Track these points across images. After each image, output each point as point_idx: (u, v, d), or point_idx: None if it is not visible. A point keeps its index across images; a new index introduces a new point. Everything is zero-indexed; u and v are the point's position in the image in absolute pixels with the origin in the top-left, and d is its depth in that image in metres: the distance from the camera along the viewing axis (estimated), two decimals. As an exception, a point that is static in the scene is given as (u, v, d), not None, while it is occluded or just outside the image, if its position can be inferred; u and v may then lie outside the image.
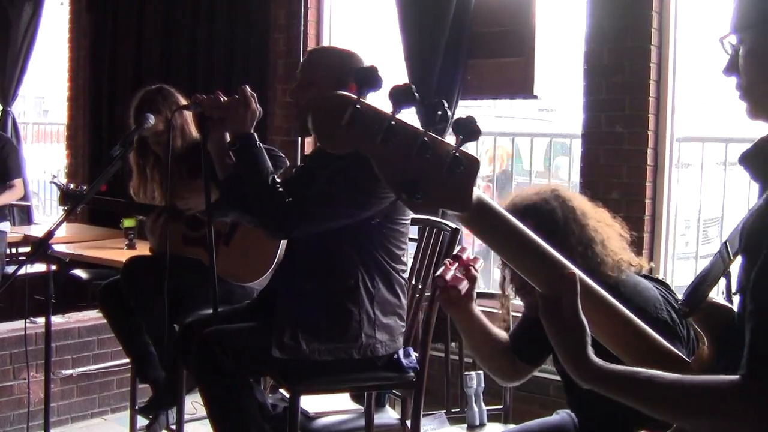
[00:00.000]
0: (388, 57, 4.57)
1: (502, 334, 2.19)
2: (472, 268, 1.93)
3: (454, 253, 1.96)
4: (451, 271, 1.90)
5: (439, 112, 1.12)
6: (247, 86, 2.68)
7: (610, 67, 3.76)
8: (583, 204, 2.11)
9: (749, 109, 1.31)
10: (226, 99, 2.69)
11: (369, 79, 1.13)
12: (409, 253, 3.31)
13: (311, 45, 4.93)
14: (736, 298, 1.28)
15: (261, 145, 2.64)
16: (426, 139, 1.13)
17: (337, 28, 5.05)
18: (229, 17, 5.15)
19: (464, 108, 4.27)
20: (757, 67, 1.28)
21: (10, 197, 5.07)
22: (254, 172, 2.58)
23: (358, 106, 1.11)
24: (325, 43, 4.99)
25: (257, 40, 5.05)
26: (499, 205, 1.26)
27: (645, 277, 2.10)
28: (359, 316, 2.59)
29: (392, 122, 1.12)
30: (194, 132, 3.43)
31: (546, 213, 2.05)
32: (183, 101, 3.38)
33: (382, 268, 2.64)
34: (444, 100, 1.14)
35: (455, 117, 1.14)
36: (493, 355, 2.15)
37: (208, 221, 2.75)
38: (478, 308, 2.06)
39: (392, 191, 1.15)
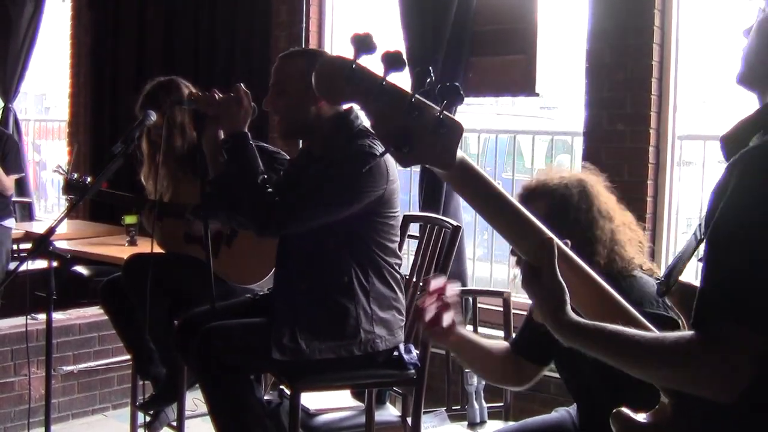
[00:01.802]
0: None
1: (499, 345, 2.19)
2: (444, 296, 1.91)
3: (420, 292, 1.95)
4: (429, 312, 1.88)
5: (428, 79, 1.29)
6: (241, 84, 2.69)
7: (611, 65, 3.75)
8: (609, 203, 2.09)
9: (741, 72, 1.35)
10: (221, 96, 2.70)
11: (364, 44, 1.26)
12: (410, 251, 3.31)
13: (313, 42, 4.93)
14: None
15: (253, 144, 2.65)
16: (413, 101, 1.27)
17: (339, 25, 5.05)
18: (231, 14, 5.15)
19: (466, 105, 4.27)
20: (758, 35, 1.32)
21: None
22: (244, 171, 2.59)
23: (354, 66, 1.26)
24: (327, 41, 5.00)
25: (259, 38, 5.05)
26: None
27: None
28: (356, 312, 2.60)
29: (383, 83, 1.27)
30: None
31: (559, 197, 2.04)
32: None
33: (375, 263, 2.65)
34: (431, 67, 1.31)
35: (440, 84, 1.28)
36: (496, 368, 2.15)
37: (204, 219, 2.74)
38: (466, 332, 2.05)
39: (382, 142, 1.30)
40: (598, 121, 3.82)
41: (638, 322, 1.34)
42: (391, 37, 4.41)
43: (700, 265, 1.26)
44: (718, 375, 1.18)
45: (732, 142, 1.31)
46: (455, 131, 1.29)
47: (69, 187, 3.44)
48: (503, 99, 6.16)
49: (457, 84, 1.28)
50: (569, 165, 4.71)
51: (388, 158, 2.62)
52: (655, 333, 1.28)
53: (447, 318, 1.89)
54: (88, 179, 3.49)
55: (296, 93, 2.63)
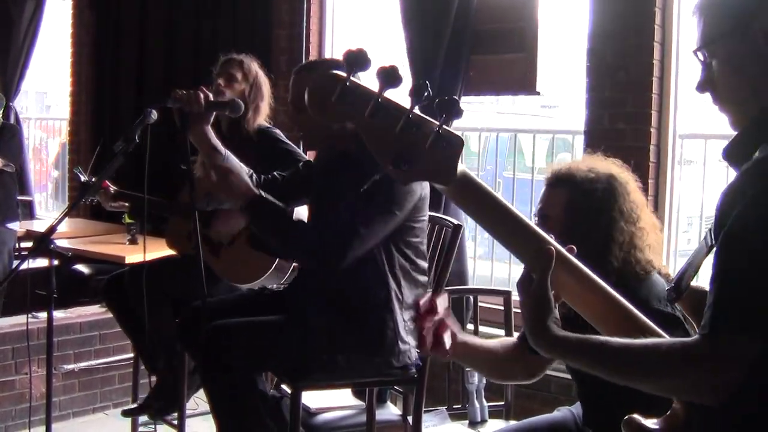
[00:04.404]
0: (390, 53, 4.57)
1: (504, 343, 2.18)
2: (437, 314, 1.90)
3: (412, 313, 1.93)
4: (428, 337, 1.87)
5: (425, 93, 1.24)
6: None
7: (612, 64, 3.75)
8: (635, 203, 2.06)
9: (733, 120, 1.34)
10: (206, 93, 2.69)
11: (358, 60, 1.23)
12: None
13: (314, 41, 4.92)
14: None
15: (267, 200, 2.58)
16: (411, 116, 1.24)
17: (340, 24, 5.04)
18: (232, 14, 5.15)
19: (467, 104, 4.26)
20: (735, 73, 1.30)
21: None
22: (275, 234, 2.60)
23: (347, 84, 1.23)
24: (327, 40, 4.99)
25: (260, 37, 5.04)
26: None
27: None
28: (393, 324, 2.58)
29: (379, 99, 1.24)
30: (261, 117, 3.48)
31: (582, 191, 2.02)
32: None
33: (405, 270, 2.62)
34: (428, 82, 1.26)
35: (438, 98, 1.25)
36: (503, 367, 2.14)
37: (192, 214, 2.70)
38: (467, 338, 2.04)
39: (380, 162, 1.26)
40: (599, 119, 3.82)
41: (648, 330, 1.32)
42: (392, 36, 4.41)
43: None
44: (718, 382, 1.18)
45: (736, 151, 1.30)
46: (455, 145, 1.26)
47: (86, 190, 3.42)
48: (504, 98, 6.15)
49: (455, 97, 1.27)
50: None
51: None
52: (648, 340, 1.26)
53: (447, 337, 1.88)
54: (110, 185, 3.50)
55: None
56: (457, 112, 1.25)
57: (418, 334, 1.88)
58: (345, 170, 2.56)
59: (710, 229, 1.32)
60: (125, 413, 3.50)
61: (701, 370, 1.19)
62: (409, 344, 2.61)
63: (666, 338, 1.27)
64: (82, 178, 3.70)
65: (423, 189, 2.57)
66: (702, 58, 1.33)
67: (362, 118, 1.24)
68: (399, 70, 1.23)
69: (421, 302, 1.88)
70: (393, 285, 2.58)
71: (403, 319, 2.60)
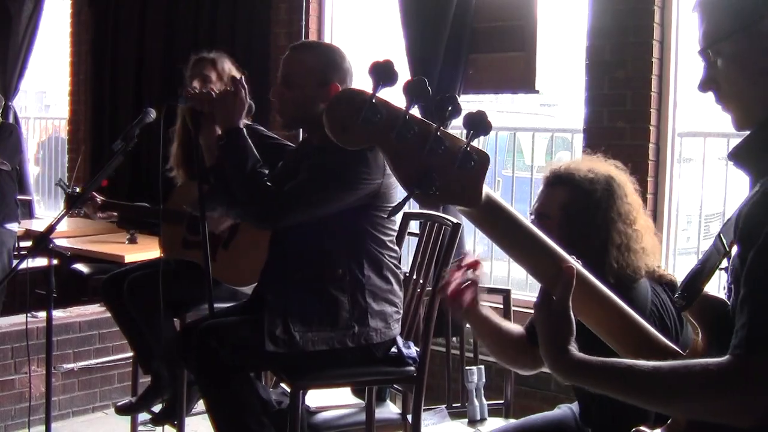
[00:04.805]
0: (389, 52, 4.57)
1: (516, 329, 2.18)
2: (474, 270, 1.91)
3: (456, 260, 1.95)
4: (452, 285, 1.88)
5: (450, 107, 1.13)
6: (237, 77, 2.69)
7: (611, 62, 3.75)
8: (632, 206, 2.06)
9: (737, 118, 1.32)
10: (217, 93, 2.70)
11: (386, 74, 1.12)
12: (410, 248, 3.31)
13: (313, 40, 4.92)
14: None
15: (247, 138, 2.64)
16: (438, 134, 1.14)
17: (339, 23, 5.04)
18: (231, 12, 5.15)
19: (465, 102, 4.26)
20: (742, 72, 1.29)
21: None
22: (239, 166, 2.59)
23: (373, 101, 1.12)
24: (326, 38, 4.99)
25: (258, 35, 5.04)
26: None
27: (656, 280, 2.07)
28: (349, 305, 2.60)
29: (406, 117, 1.13)
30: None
31: (581, 192, 2.02)
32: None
33: (371, 256, 2.65)
34: (456, 95, 1.15)
35: (465, 111, 1.15)
36: (509, 351, 2.14)
37: (201, 218, 2.73)
38: (486, 310, 2.04)
39: (404, 185, 1.15)
40: (598, 118, 3.82)
41: (666, 349, 1.31)
42: (390, 34, 4.41)
43: (724, 275, 1.24)
44: (754, 403, 1.15)
45: (748, 155, 1.29)
46: (483, 163, 1.17)
47: (72, 201, 3.40)
48: (503, 96, 6.15)
49: (483, 111, 1.15)
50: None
51: None
52: (677, 362, 1.22)
53: (469, 295, 1.88)
54: (92, 194, 3.46)
55: (308, 88, 2.63)
56: (486, 127, 1.15)
57: (446, 280, 1.88)
58: (309, 153, 2.67)
59: (720, 234, 1.30)
60: (119, 409, 3.50)
61: (737, 392, 1.16)
62: (368, 326, 2.62)
63: (694, 359, 1.23)
64: (68, 191, 3.62)
65: (386, 177, 2.58)
66: (706, 56, 1.32)
67: (388, 140, 1.13)
68: (427, 83, 1.13)
69: (468, 255, 1.90)
70: (354, 266, 2.62)
71: (364, 301, 2.61)
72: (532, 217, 2.09)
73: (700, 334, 1.35)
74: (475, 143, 1.19)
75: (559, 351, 1.25)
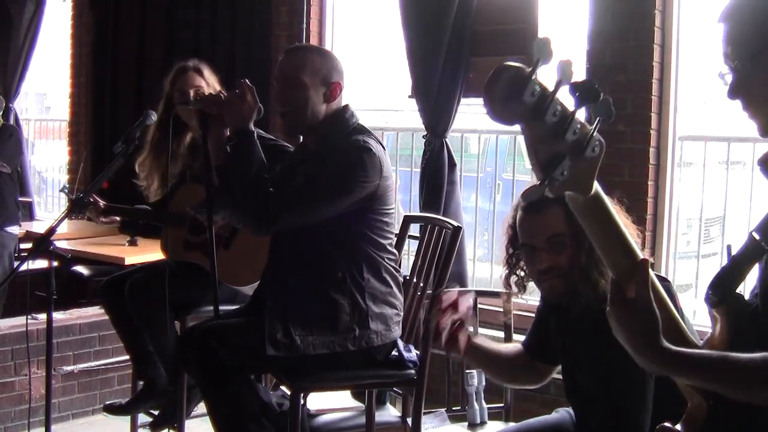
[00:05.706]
0: (390, 54, 4.57)
1: (512, 349, 2.18)
2: (455, 309, 1.89)
3: (436, 307, 1.92)
4: (444, 332, 1.86)
5: (592, 93, 1.13)
6: (245, 80, 2.69)
7: (612, 65, 3.75)
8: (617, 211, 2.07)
9: (764, 125, 1.33)
10: (225, 95, 2.70)
11: (545, 52, 1.13)
12: (410, 251, 3.31)
13: (313, 43, 4.92)
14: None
15: (257, 141, 2.65)
16: (575, 117, 1.14)
17: (340, 26, 5.05)
18: (232, 15, 5.15)
19: (465, 106, 4.27)
20: None
21: None
22: (245, 168, 2.60)
23: (533, 77, 1.12)
24: (327, 41, 5.00)
25: (259, 38, 5.05)
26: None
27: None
28: (349, 308, 2.60)
29: (554, 97, 1.13)
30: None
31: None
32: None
33: (370, 259, 2.65)
34: (598, 83, 1.15)
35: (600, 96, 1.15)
36: (511, 373, 2.14)
37: (209, 222, 2.74)
38: (481, 341, 2.03)
39: (540, 169, 1.15)
40: (599, 121, 3.81)
41: (687, 341, 1.33)
42: (391, 37, 4.41)
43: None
44: None
45: None
46: (602, 151, 1.18)
47: (76, 206, 3.40)
48: (504, 99, 6.14)
49: (608, 98, 1.15)
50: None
51: (383, 154, 2.63)
52: (763, 353, 1.24)
53: (463, 336, 1.87)
54: (93, 198, 3.45)
55: (313, 87, 2.64)
56: (611, 114, 1.17)
57: (434, 328, 1.87)
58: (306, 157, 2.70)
59: (752, 232, 1.32)
60: (106, 408, 3.49)
61: None
62: (368, 329, 2.62)
63: None
64: (71, 197, 3.61)
65: (383, 180, 2.59)
66: (735, 68, 1.33)
67: (540, 120, 1.13)
68: (597, 85, 1.15)
69: (444, 297, 1.87)
70: (353, 269, 2.62)
71: (365, 304, 2.61)
72: (542, 252, 1.99)
73: (718, 328, 1.36)
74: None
75: (654, 345, 1.26)
